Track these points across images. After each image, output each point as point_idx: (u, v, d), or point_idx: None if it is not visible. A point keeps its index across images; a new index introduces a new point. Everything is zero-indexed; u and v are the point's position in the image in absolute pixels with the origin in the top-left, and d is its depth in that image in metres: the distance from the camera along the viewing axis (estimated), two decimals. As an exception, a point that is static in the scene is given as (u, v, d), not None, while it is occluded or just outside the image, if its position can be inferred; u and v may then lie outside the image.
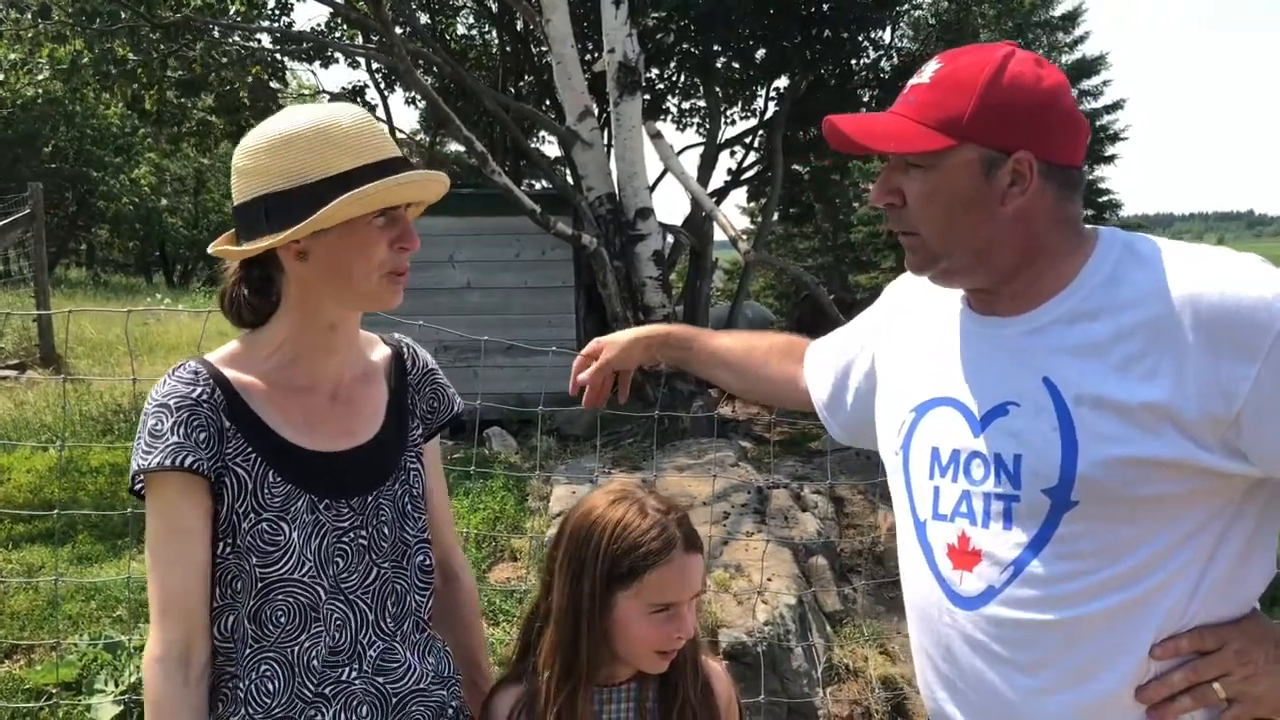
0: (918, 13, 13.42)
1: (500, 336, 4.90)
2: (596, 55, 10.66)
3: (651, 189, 9.21)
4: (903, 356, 1.69)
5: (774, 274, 22.94)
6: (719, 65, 12.03)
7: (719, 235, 11.01)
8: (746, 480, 6.44)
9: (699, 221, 10.84)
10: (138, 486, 1.56)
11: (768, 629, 4.45)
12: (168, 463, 1.49)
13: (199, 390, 1.54)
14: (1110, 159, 18.08)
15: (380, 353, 1.79)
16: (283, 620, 1.57)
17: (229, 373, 1.59)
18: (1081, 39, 18.30)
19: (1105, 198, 18.22)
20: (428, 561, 1.73)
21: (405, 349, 1.82)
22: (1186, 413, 1.32)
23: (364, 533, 1.64)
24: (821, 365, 1.95)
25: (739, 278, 14.38)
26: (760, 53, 12.02)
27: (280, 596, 1.56)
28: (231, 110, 11.24)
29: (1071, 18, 18.02)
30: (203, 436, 1.52)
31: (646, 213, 8.95)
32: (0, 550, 5.22)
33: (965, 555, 1.48)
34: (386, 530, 1.66)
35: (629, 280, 8.90)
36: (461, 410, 1.88)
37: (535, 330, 8.30)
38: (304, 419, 1.62)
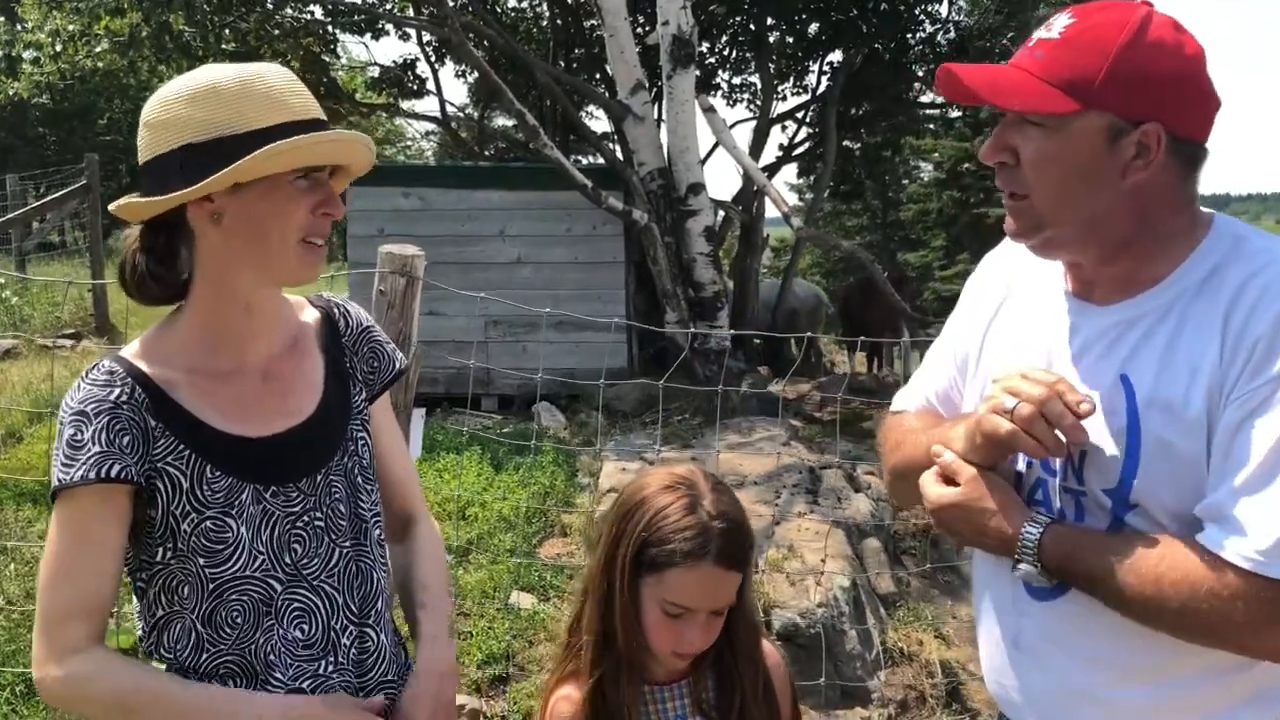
0: (975, -15, 13.16)
1: (550, 311, 4.86)
2: (648, 28, 10.58)
3: (701, 164, 9.12)
4: (990, 337, 1.63)
5: (821, 252, 22.77)
6: (771, 40, 11.88)
7: (769, 211, 10.91)
8: (798, 460, 6.37)
9: (749, 197, 10.74)
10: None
11: (821, 611, 4.40)
12: (91, 475, 1.40)
13: (117, 391, 1.44)
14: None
15: (310, 317, 1.68)
16: (239, 620, 1.49)
17: (147, 367, 1.48)
18: (1143, 13, 17.90)
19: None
20: (384, 536, 1.66)
21: (336, 310, 1.70)
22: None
23: (319, 514, 1.55)
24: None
25: (787, 254, 14.25)
26: (813, 26, 11.87)
27: (234, 596, 1.48)
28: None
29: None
30: (126, 440, 1.43)
31: (698, 188, 8.86)
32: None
33: None
34: (342, 508, 1.57)
35: (679, 256, 8.83)
36: (405, 367, 1.76)
37: (585, 305, 8.25)
38: (236, 404, 1.52)
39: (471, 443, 6.47)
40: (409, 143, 24.57)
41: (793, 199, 22.91)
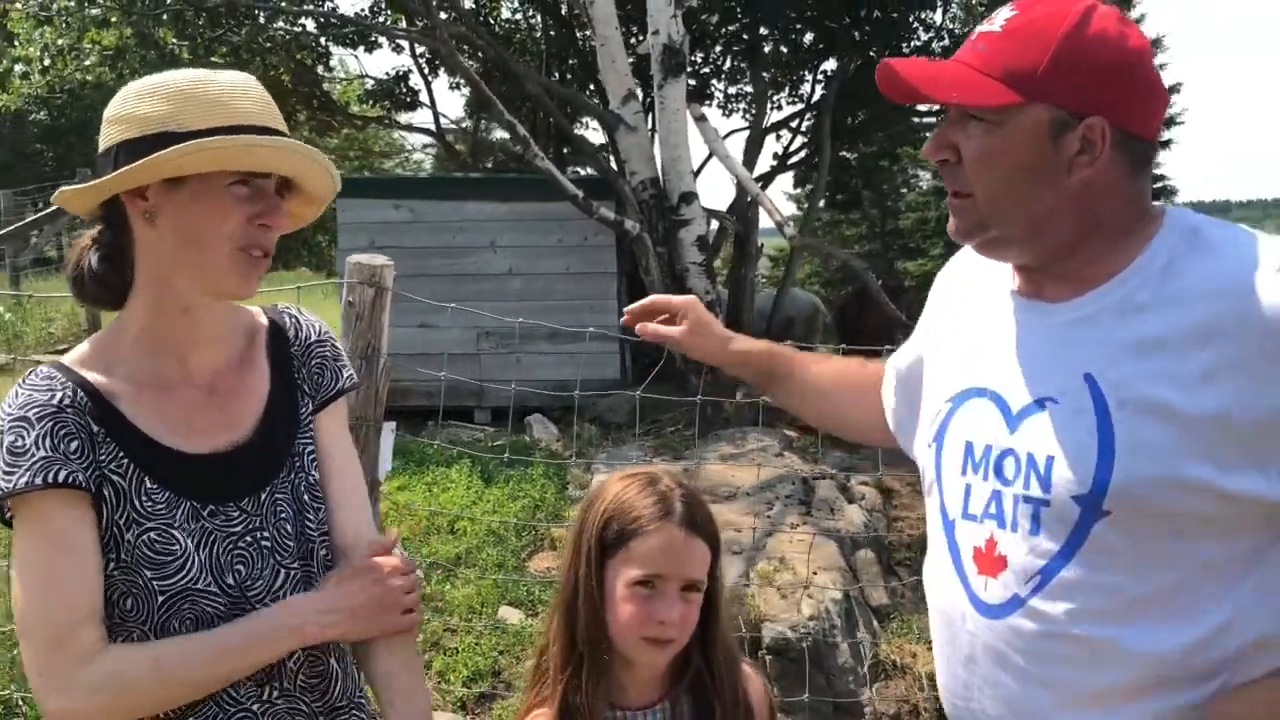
0: (969, -7, 13.12)
1: (542, 323, 4.80)
2: (640, 38, 10.54)
3: (695, 174, 9.09)
4: (944, 343, 1.59)
5: (820, 261, 22.72)
6: (766, 49, 11.84)
7: (764, 221, 10.84)
8: (791, 470, 6.31)
9: (743, 207, 10.68)
10: (8, 515, 1.38)
11: (812, 624, 4.33)
12: (37, 480, 1.33)
13: (59, 395, 1.38)
14: (1166, 144, 17.73)
15: (261, 325, 1.63)
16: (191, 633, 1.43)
17: (89, 375, 1.43)
18: (1138, 20, 17.89)
19: (1160, 183, 17.87)
20: (330, 556, 1.58)
21: (287, 319, 1.65)
22: (1244, 427, 1.21)
23: (264, 534, 1.48)
24: (890, 383, 1.80)
25: (784, 264, 14.20)
26: (808, 36, 11.82)
27: (186, 608, 1.41)
28: (275, 97, 11.23)
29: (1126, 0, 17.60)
30: (74, 446, 1.37)
31: (690, 197, 8.82)
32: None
33: (991, 560, 1.39)
34: (289, 528, 1.51)
35: (672, 266, 8.78)
36: (351, 385, 1.68)
37: (577, 316, 8.18)
38: (178, 417, 1.46)
39: (461, 456, 6.42)
40: (407, 154, 24.54)
41: (791, 209, 22.86)
